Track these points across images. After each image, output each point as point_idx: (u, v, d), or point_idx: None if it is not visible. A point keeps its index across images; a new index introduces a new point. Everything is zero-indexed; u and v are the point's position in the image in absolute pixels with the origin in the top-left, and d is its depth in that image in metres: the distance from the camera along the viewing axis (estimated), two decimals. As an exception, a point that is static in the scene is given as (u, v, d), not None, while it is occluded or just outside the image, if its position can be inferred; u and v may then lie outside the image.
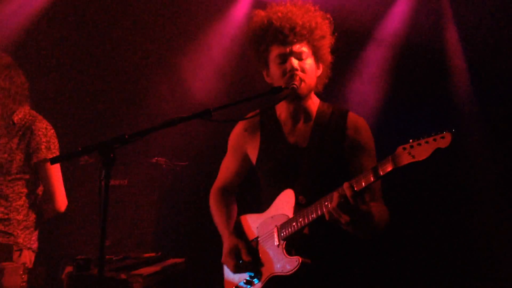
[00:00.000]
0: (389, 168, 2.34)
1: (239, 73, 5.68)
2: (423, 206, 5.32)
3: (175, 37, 6.08)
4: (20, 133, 3.56)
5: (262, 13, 2.88)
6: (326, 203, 2.53)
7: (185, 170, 5.63)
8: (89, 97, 6.13)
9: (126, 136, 2.50)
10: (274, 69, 2.82)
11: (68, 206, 5.28)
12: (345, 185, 2.42)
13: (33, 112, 3.69)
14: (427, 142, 2.27)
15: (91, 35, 6.09)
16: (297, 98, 2.82)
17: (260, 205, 2.92)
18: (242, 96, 2.82)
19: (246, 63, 5.60)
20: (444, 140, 2.23)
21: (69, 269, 3.18)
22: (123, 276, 2.89)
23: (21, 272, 2.88)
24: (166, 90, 6.05)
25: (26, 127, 3.57)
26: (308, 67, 2.78)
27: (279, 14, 2.79)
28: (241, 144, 3.03)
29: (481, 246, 5.21)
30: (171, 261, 3.67)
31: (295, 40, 2.76)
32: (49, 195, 3.62)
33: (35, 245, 3.59)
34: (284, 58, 2.78)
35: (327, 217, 2.47)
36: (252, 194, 3.14)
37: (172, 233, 5.42)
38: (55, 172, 3.61)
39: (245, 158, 3.03)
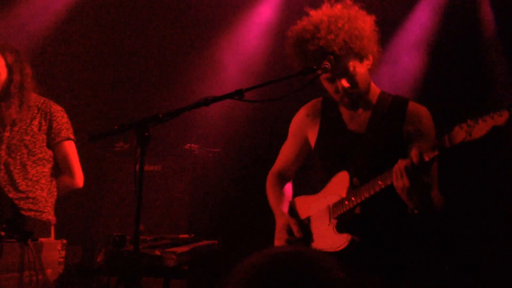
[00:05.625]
0: (446, 145, 2.37)
1: (273, 57, 5.72)
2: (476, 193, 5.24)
3: (207, 20, 6.13)
4: (39, 115, 3.75)
5: (295, 35, 2.85)
6: (379, 182, 2.57)
7: (217, 156, 5.70)
8: (125, 82, 6.25)
9: (160, 115, 2.55)
10: (327, 86, 2.87)
11: (104, 191, 5.43)
12: (414, 152, 2.45)
13: (41, 97, 3.86)
14: (484, 120, 2.27)
15: (125, 21, 6.20)
16: (356, 106, 2.88)
17: (315, 188, 2.97)
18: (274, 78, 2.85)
19: (279, 47, 5.67)
20: (501, 118, 2.23)
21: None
22: (157, 252, 2.96)
23: (59, 248, 2.97)
24: (200, 75, 6.11)
25: (43, 109, 3.77)
26: (357, 77, 2.80)
27: (313, 42, 2.76)
28: (303, 128, 3.08)
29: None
30: (204, 242, 3.73)
31: (336, 64, 2.74)
32: (69, 172, 3.83)
33: (55, 220, 3.79)
34: (331, 79, 2.81)
35: (394, 178, 2.50)
36: (308, 178, 3.18)
37: (205, 218, 5.49)
38: (73, 150, 3.83)
39: (305, 144, 3.08)
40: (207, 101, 2.65)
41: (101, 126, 4.62)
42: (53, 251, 2.96)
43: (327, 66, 2.74)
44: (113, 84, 6.24)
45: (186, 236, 3.91)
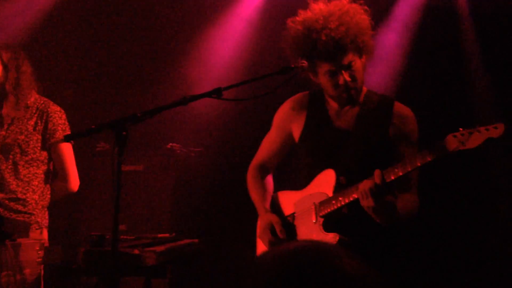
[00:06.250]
0: (439, 153, 2.42)
1: (255, 55, 5.72)
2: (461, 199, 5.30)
3: (190, 18, 6.11)
4: (36, 115, 3.71)
5: (301, 24, 2.84)
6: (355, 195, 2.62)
7: (200, 156, 5.69)
8: (105, 82, 6.22)
9: (138, 115, 2.55)
10: (325, 81, 2.85)
11: (86, 191, 5.40)
12: (376, 172, 2.50)
13: (42, 97, 3.83)
14: (479, 132, 2.33)
15: (105, 21, 6.16)
16: (351, 102, 2.88)
17: (298, 184, 2.97)
18: (254, 76, 2.86)
19: (261, 45, 5.69)
20: (496, 131, 2.29)
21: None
22: (136, 251, 2.96)
23: (37, 248, 2.96)
24: (183, 74, 6.10)
25: (41, 110, 3.72)
26: (357, 73, 2.81)
27: (325, 32, 2.75)
28: (287, 122, 3.05)
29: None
30: (184, 241, 3.74)
31: (344, 56, 2.77)
32: (63, 175, 3.77)
33: (47, 223, 3.75)
34: (333, 73, 2.80)
35: (360, 198, 2.57)
36: (289, 172, 3.17)
37: (187, 218, 5.48)
38: (69, 152, 3.77)
39: (288, 138, 3.06)
40: (185, 100, 2.66)
41: (85, 125, 4.56)
42: (31, 251, 2.95)
43: (304, 65, 2.76)
44: (96, 83, 6.20)
45: (167, 235, 3.91)
